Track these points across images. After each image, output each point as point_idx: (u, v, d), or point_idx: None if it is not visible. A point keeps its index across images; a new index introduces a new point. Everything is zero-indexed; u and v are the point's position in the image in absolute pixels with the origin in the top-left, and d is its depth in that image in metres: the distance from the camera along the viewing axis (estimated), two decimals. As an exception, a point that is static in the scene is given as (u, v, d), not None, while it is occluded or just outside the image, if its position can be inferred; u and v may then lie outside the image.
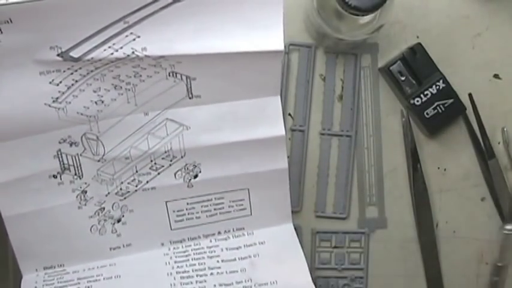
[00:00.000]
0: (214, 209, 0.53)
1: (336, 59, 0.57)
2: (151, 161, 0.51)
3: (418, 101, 0.56)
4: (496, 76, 0.58)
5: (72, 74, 0.47)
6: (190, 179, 0.52)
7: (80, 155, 0.50)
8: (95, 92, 0.48)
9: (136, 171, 0.51)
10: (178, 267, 0.51)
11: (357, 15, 0.49)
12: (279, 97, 0.51)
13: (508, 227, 0.57)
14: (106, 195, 0.51)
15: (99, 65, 0.47)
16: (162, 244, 0.53)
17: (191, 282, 0.50)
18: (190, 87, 0.49)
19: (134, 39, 0.46)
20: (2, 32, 0.43)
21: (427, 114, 0.56)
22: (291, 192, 0.53)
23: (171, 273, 0.51)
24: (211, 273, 0.51)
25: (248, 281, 0.50)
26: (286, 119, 0.56)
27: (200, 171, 0.52)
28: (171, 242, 0.53)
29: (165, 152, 0.51)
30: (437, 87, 0.56)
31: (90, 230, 0.51)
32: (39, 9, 0.43)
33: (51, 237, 0.51)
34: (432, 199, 0.58)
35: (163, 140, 0.50)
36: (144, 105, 0.49)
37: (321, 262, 0.57)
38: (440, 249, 0.58)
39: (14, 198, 0.49)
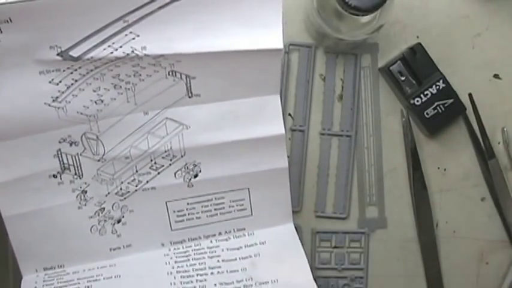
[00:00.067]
0: (215, 209, 0.53)
1: (336, 59, 0.57)
2: (151, 160, 0.51)
3: (418, 101, 0.56)
4: (496, 76, 0.58)
5: (71, 73, 0.47)
6: (190, 179, 0.52)
7: (80, 154, 0.50)
8: (94, 91, 0.48)
9: (136, 171, 0.51)
10: (178, 267, 0.51)
11: (357, 15, 0.49)
12: (278, 96, 0.51)
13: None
14: (106, 195, 0.51)
15: (99, 64, 0.47)
16: (163, 244, 0.53)
17: (191, 282, 0.50)
18: (190, 86, 0.49)
19: (134, 38, 0.46)
20: (1, 32, 0.43)
21: (427, 114, 0.56)
22: (291, 192, 0.53)
23: (171, 273, 0.50)
24: (212, 273, 0.51)
25: (249, 279, 0.50)
26: (286, 119, 0.56)
27: (200, 171, 0.52)
28: (171, 243, 0.53)
29: (165, 151, 0.51)
30: (437, 87, 0.56)
31: (90, 230, 0.51)
32: (39, 8, 0.43)
33: (51, 237, 0.51)
34: (432, 199, 0.58)
35: (163, 140, 0.50)
36: (144, 104, 0.49)
37: (321, 262, 0.57)
38: (440, 249, 0.58)
39: (13, 198, 0.49)
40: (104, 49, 0.46)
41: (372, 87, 0.57)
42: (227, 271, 0.51)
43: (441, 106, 0.56)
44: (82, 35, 0.45)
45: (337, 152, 0.57)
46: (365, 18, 0.50)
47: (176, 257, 0.52)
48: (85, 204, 0.51)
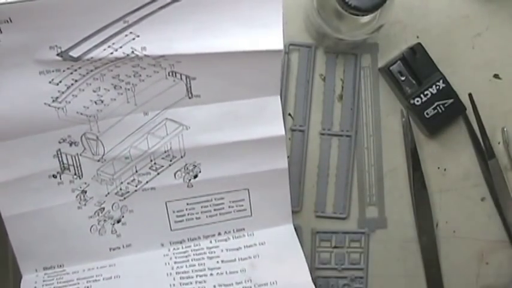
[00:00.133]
0: (214, 210, 0.53)
1: (336, 59, 0.57)
2: (151, 160, 0.51)
3: (418, 101, 0.56)
4: (496, 76, 0.58)
5: (71, 73, 0.47)
6: (190, 179, 0.52)
7: (80, 154, 0.50)
8: (94, 91, 0.48)
9: (136, 171, 0.51)
10: (178, 267, 0.51)
11: (357, 15, 0.49)
12: (278, 97, 0.50)
13: None
14: (106, 195, 0.51)
15: (99, 64, 0.47)
16: (162, 245, 0.53)
17: (191, 283, 0.50)
18: (190, 86, 0.49)
19: (134, 39, 0.46)
20: (1, 32, 0.43)
21: (427, 114, 0.56)
22: (291, 192, 0.53)
23: (170, 274, 0.50)
24: (211, 274, 0.51)
25: (248, 281, 0.50)
26: (286, 119, 0.56)
27: (200, 171, 0.51)
28: (170, 243, 0.53)
29: (165, 151, 0.51)
30: (437, 87, 0.55)
31: (90, 230, 0.51)
32: (39, 8, 0.43)
33: (51, 237, 0.51)
34: (432, 199, 0.58)
35: (163, 140, 0.50)
36: (144, 104, 0.49)
37: (321, 262, 0.57)
38: (440, 249, 0.58)
39: (13, 198, 0.49)
40: (104, 49, 0.46)
41: (372, 87, 0.57)
42: (226, 272, 0.51)
43: (441, 106, 0.56)
44: (82, 35, 0.45)
45: (337, 152, 0.57)
46: (365, 18, 0.50)
47: (176, 258, 0.52)
48: (85, 204, 0.51)
